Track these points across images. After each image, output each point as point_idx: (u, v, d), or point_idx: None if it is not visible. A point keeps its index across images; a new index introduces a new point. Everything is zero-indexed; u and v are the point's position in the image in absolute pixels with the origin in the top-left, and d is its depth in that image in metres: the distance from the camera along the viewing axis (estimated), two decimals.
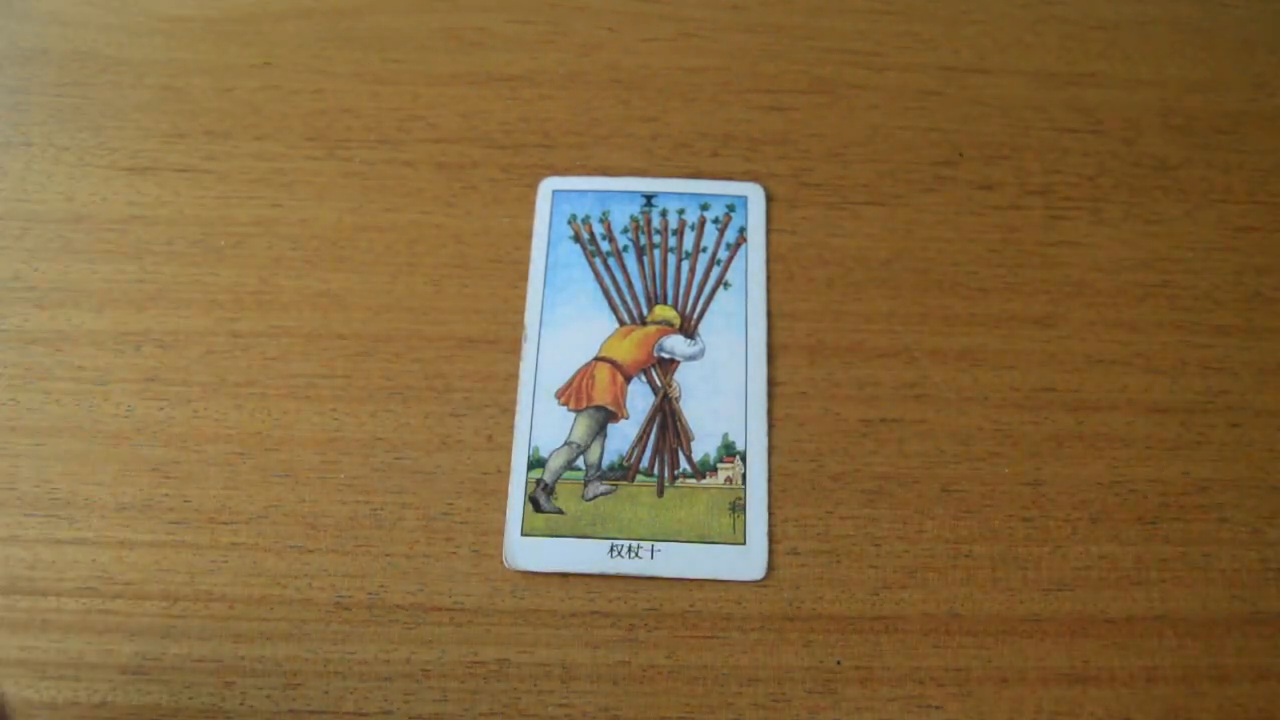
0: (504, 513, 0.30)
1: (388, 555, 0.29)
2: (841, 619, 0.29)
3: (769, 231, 0.34)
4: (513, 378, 0.32)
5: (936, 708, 0.28)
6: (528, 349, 0.32)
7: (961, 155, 0.36)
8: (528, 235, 0.34)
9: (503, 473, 0.30)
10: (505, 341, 0.32)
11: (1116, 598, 0.29)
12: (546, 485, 0.30)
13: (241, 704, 0.28)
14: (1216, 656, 0.28)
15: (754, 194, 0.35)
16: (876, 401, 0.32)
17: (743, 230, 0.34)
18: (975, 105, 0.37)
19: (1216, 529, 0.30)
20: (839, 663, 0.28)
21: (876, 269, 0.34)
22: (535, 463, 0.30)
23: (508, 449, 0.31)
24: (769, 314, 0.33)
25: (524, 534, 0.29)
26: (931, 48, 0.39)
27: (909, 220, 0.35)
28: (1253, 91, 0.38)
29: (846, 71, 0.38)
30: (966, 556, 0.29)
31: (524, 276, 0.34)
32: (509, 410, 0.31)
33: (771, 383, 0.32)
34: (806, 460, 0.31)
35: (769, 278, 0.34)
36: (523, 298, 0.33)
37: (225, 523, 0.30)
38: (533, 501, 0.30)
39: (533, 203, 0.35)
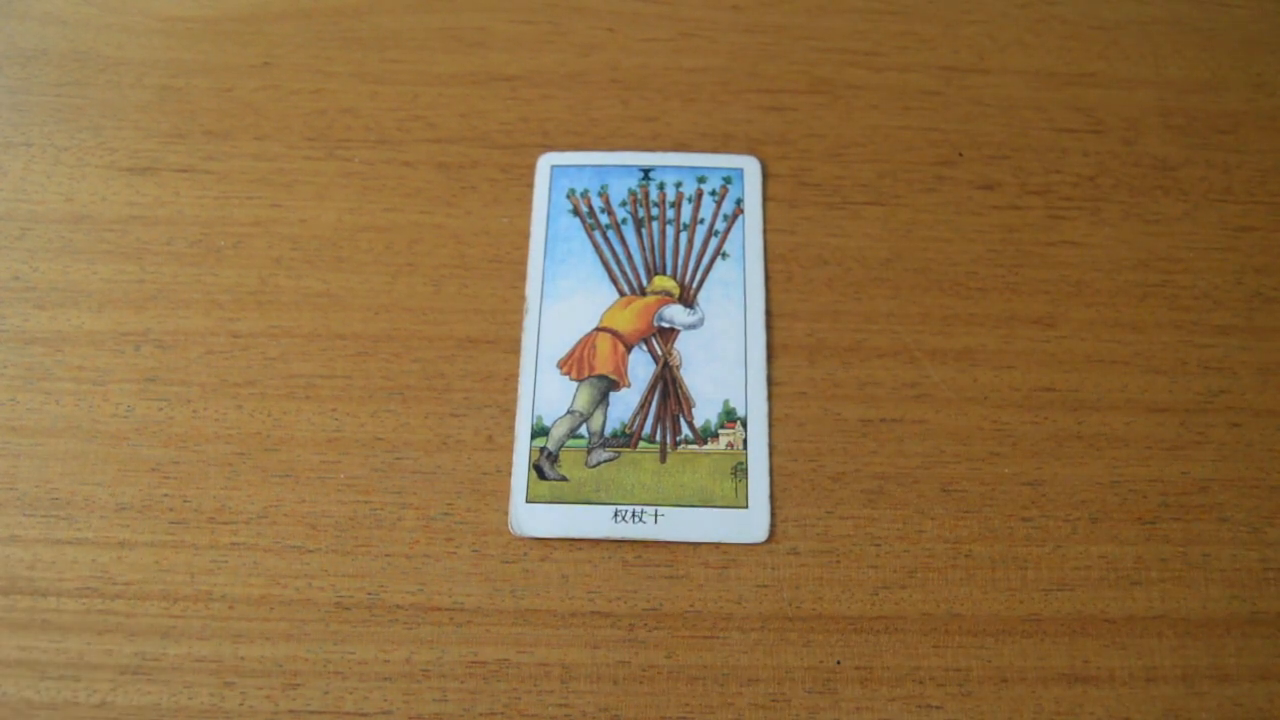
0: (504, 512, 0.30)
1: (388, 555, 0.29)
2: (841, 619, 0.29)
3: (765, 201, 0.35)
4: (513, 377, 0.32)
5: (936, 708, 0.28)
6: (529, 321, 0.32)
7: (961, 155, 0.36)
8: (527, 235, 0.34)
9: (503, 473, 0.30)
10: (505, 341, 0.32)
11: (1116, 598, 0.29)
12: (550, 453, 0.30)
13: (241, 704, 0.28)
14: (1216, 656, 0.28)
15: (750, 166, 0.35)
16: (876, 401, 0.32)
17: (739, 202, 0.35)
18: (975, 105, 0.37)
19: (1216, 529, 0.30)
20: (839, 663, 0.28)
21: (876, 269, 0.34)
22: (539, 431, 0.31)
23: (508, 449, 0.31)
24: (768, 312, 0.33)
25: (529, 501, 0.30)
26: (931, 48, 0.39)
27: (909, 220, 0.35)
28: (1253, 91, 0.38)
29: (846, 71, 0.38)
30: (966, 556, 0.30)
31: (523, 277, 0.34)
32: (509, 410, 0.31)
33: (771, 383, 0.32)
34: (806, 460, 0.31)
35: (767, 261, 0.34)
36: (522, 298, 0.33)
37: (225, 523, 0.30)
38: (537, 469, 0.30)
39: (532, 203, 0.35)
